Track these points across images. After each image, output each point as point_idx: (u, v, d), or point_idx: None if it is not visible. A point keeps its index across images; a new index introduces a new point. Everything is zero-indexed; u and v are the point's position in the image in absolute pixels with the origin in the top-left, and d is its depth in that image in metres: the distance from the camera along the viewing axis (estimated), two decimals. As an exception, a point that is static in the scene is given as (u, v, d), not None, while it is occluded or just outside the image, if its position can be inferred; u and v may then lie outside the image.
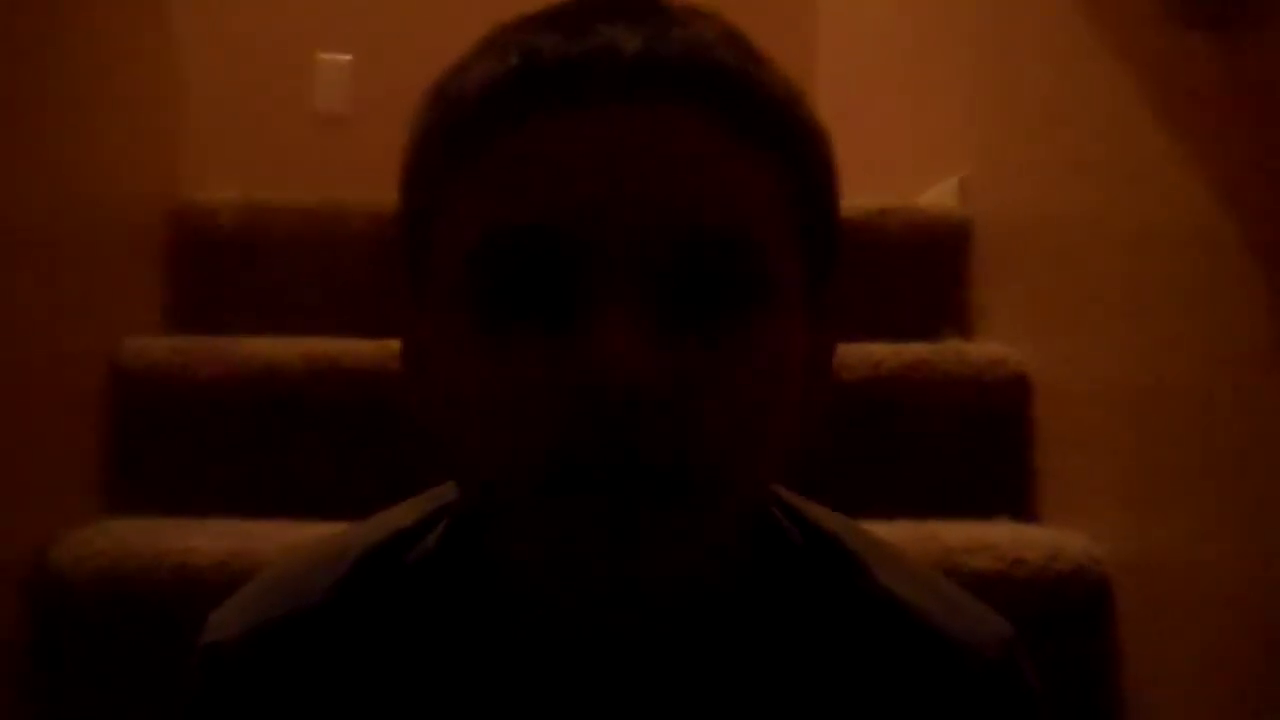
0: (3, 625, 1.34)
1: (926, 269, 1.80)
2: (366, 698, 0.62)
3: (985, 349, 1.65)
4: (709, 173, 0.53)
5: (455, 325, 0.54)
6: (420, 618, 0.62)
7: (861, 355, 1.57)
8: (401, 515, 0.66)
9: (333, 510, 1.46)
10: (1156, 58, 1.28)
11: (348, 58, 2.90)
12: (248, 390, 1.57)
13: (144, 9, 1.76)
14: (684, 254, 0.52)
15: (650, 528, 0.52)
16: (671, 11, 0.57)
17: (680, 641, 0.59)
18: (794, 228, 0.56)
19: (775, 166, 0.55)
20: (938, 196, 1.93)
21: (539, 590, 0.58)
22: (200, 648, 0.65)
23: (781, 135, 0.56)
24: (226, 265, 1.80)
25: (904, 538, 1.33)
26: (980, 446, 1.56)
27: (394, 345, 1.65)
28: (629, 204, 0.52)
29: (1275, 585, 1.06)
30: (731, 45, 0.56)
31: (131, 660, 1.37)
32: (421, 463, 1.56)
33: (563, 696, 0.60)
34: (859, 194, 1.81)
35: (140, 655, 1.36)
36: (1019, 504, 1.51)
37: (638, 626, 0.58)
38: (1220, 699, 1.14)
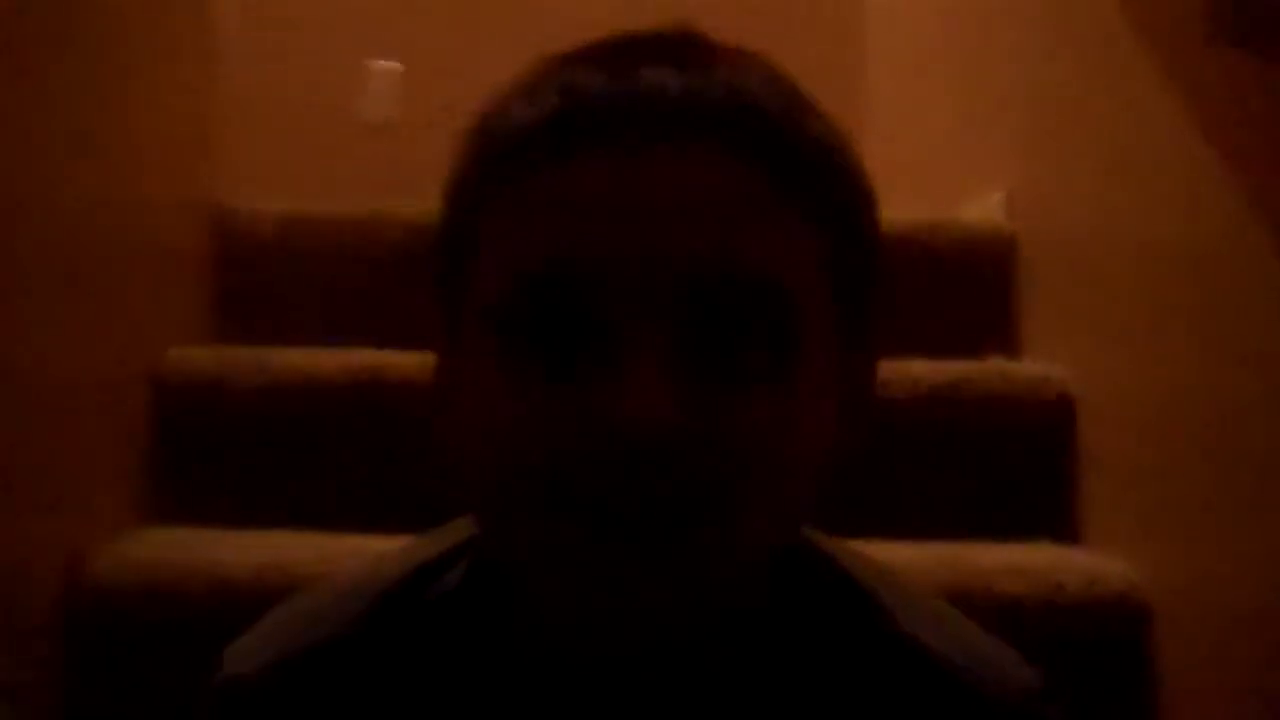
0: (39, 633, 1.35)
1: (971, 285, 1.78)
2: None
3: (1029, 368, 1.63)
4: (744, 221, 0.53)
5: (484, 361, 0.54)
6: (440, 655, 0.62)
7: (901, 372, 1.56)
8: (424, 549, 0.66)
9: (370, 524, 1.47)
10: (1201, 75, 1.26)
11: (398, 66, 2.92)
12: (288, 402, 1.58)
13: (188, 17, 1.77)
14: (712, 298, 0.52)
15: (673, 571, 0.52)
16: (716, 53, 0.57)
17: (697, 681, 0.59)
18: (827, 270, 0.56)
19: (812, 216, 0.55)
20: (983, 211, 1.90)
21: (558, 629, 0.58)
22: (218, 681, 0.64)
23: (821, 184, 0.56)
24: (269, 276, 1.81)
25: (940, 559, 1.32)
26: (1022, 467, 1.54)
27: (430, 358, 1.67)
28: (658, 247, 0.52)
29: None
30: (775, 90, 0.56)
31: (164, 670, 1.37)
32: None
33: None
34: (904, 207, 1.80)
35: (173, 665, 1.37)
36: (1060, 526, 1.49)
37: (655, 664, 0.58)
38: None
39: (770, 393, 0.53)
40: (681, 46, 0.57)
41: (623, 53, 0.56)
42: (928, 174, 2.09)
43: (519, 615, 0.61)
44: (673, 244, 0.52)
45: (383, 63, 2.93)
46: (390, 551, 0.67)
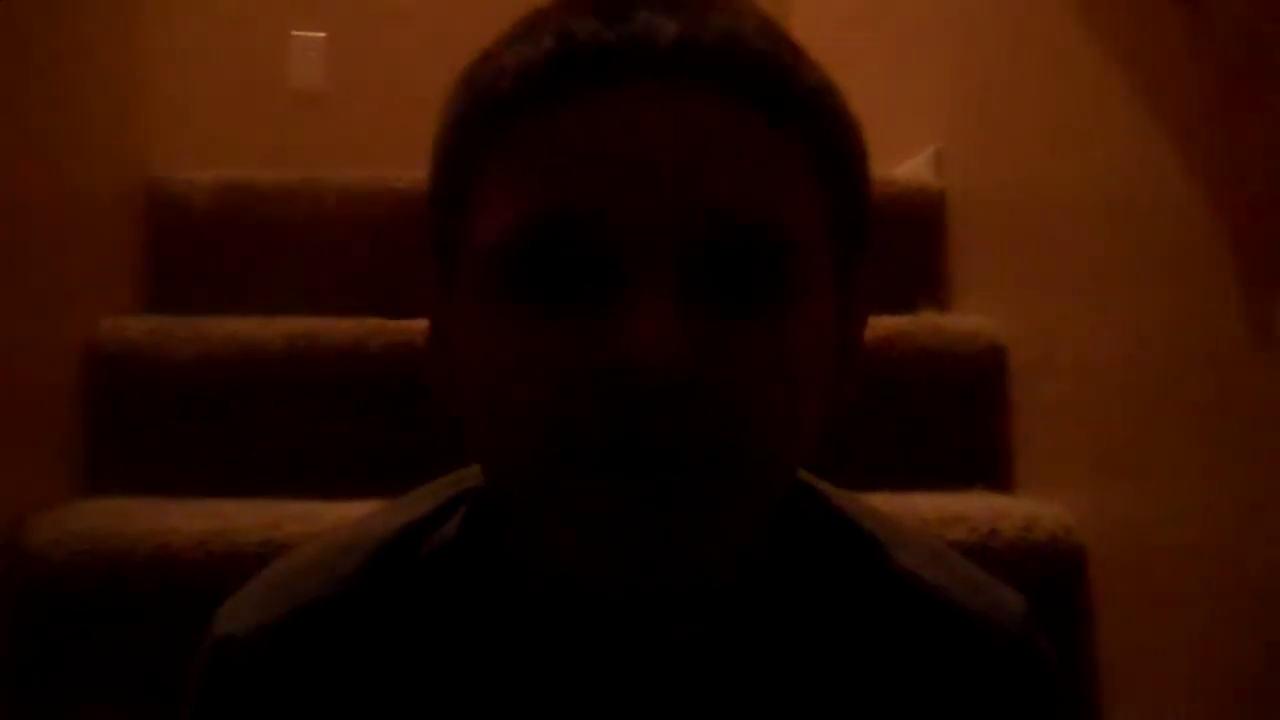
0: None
1: (902, 241, 1.81)
2: (381, 691, 0.61)
3: (961, 321, 1.65)
4: (741, 160, 0.54)
5: (486, 307, 0.54)
6: (437, 609, 0.61)
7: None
8: (419, 502, 0.65)
9: (313, 490, 1.46)
10: (1130, 31, 1.29)
11: (322, 35, 2.89)
12: (227, 370, 1.57)
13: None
14: (714, 240, 0.52)
15: (678, 511, 0.52)
16: None
17: (703, 624, 0.59)
18: (824, 214, 0.56)
19: (807, 155, 0.56)
20: (913, 169, 1.93)
21: (559, 575, 0.58)
22: (211, 641, 0.63)
23: (813, 124, 0.56)
24: (202, 245, 1.79)
25: (880, 509, 1.34)
26: (956, 418, 1.57)
27: (370, 322, 1.65)
28: (660, 190, 0.52)
29: (1245, 556, 1.07)
30: (767, 34, 0.57)
31: (108, 640, 1.37)
32: (402, 441, 1.57)
33: (581, 686, 0.60)
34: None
35: (117, 635, 1.37)
36: (995, 475, 1.52)
37: (659, 609, 0.58)
38: (1193, 667, 1.15)
39: (771, 333, 0.53)
40: None
41: None
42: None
43: (517, 566, 0.60)
44: (675, 188, 0.52)
45: (307, 33, 2.89)
46: (380, 508, 0.67)
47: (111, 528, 1.39)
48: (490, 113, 0.55)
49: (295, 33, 2.89)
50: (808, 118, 0.56)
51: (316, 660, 0.61)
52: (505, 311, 0.53)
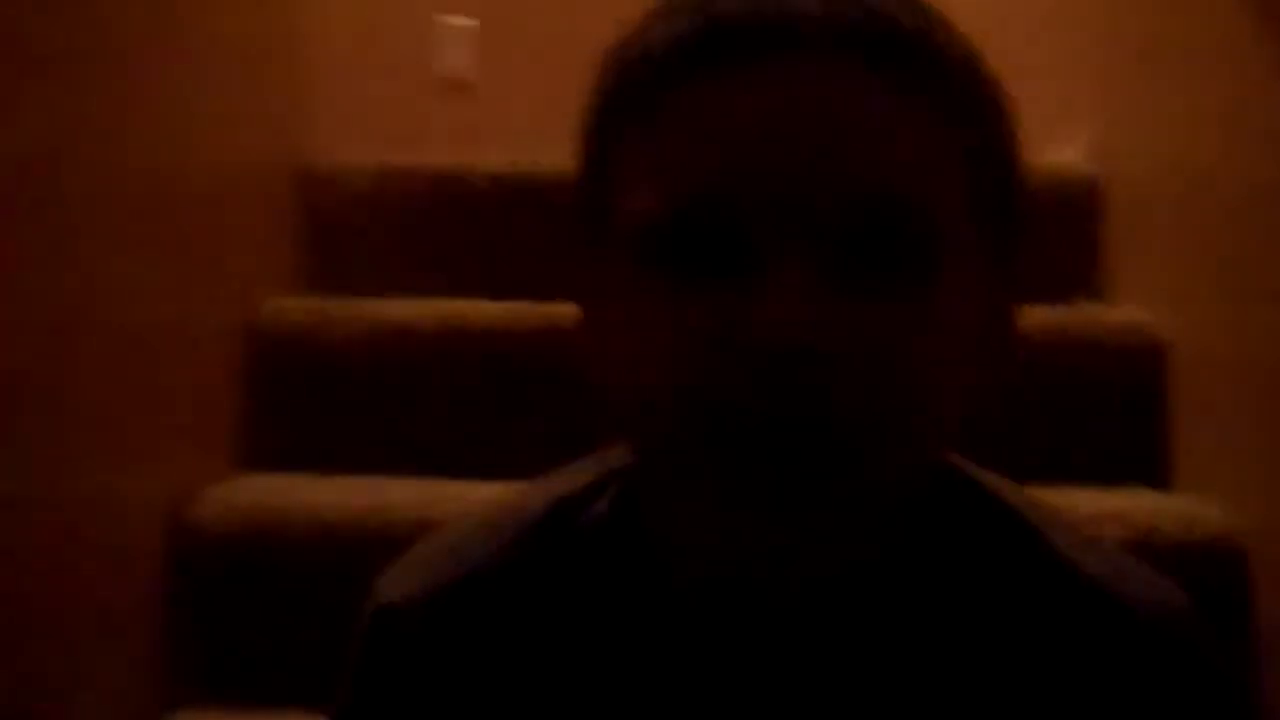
0: (144, 576, 1.39)
1: (1058, 230, 1.77)
2: (533, 663, 0.62)
3: (1120, 313, 1.61)
4: (883, 134, 0.53)
5: (633, 281, 0.55)
6: (591, 584, 0.62)
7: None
8: (571, 479, 0.65)
9: (462, 469, 1.49)
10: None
11: (472, 22, 2.92)
12: (381, 350, 1.61)
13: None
14: (855, 216, 0.52)
15: (812, 486, 0.52)
16: None
17: (841, 610, 0.58)
18: (969, 193, 0.55)
19: (951, 129, 0.55)
20: (1068, 154, 1.89)
21: (701, 555, 0.58)
22: (371, 609, 0.64)
23: (958, 98, 0.55)
24: (359, 228, 1.83)
25: (1038, 499, 1.32)
26: (1115, 413, 1.53)
27: (518, 306, 1.67)
28: (800, 168, 0.52)
29: None
30: (911, 8, 0.56)
31: (265, 611, 1.41)
32: (550, 422, 1.58)
33: (720, 670, 0.60)
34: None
35: (274, 607, 1.41)
36: (1154, 473, 1.49)
37: (797, 591, 0.57)
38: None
39: (911, 313, 0.52)
40: None
41: None
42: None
43: (660, 544, 0.61)
44: (821, 166, 0.52)
45: (458, 19, 2.93)
46: (531, 485, 0.67)
47: (270, 502, 1.43)
48: (634, 90, 0.56)
49: (445, 18, 2.92)
50: (950, 91, 0.55)
51: (472, 629, 0.62)
52: (652, 286, 0.54)
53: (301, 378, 1.62)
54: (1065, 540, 0.61)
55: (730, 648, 0.59)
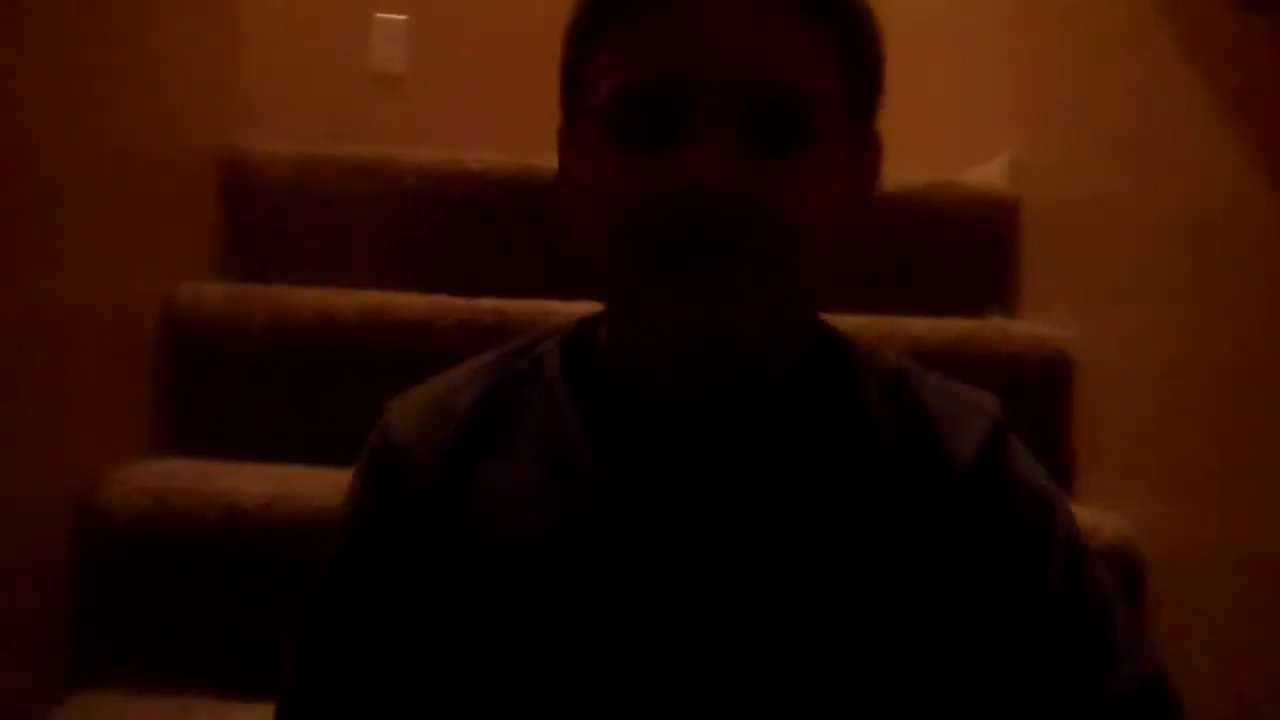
0: (51, 559, 1.38)
1: (973, 247, 1.81)
2: (509, 467, 0.79)
3: (1028, 328, 1.65)
4: (777, 36, 0.73)
5: (597, 148, 0.75)
6: (554, 395, 0.81)
7: (903, 329, 1.58)
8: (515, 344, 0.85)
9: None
10: (1215, 42, 1.28)
11: (404, 18, 2.92)
12: (301, 339, 1.60)
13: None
14: (757, 98, 0.72)
15: (726, 286, 0.72)
16: None
17: (750, 406, 0.78)
18: (843, 83, 0.75)
19: (831, 34, 0.75)
20: (986, 174, 1.93)
21: (643, 351, 0.77)
22: (385, 439, 0.82)
23: (836, 11, 0.75)
24: (280, 216, 1.82)
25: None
26: (1022, 424, 1.56)
27: (440, 299, 1.66)
28: (723, 61, 0.72)
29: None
30: None
31: (172, 595, 1.40)
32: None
33: (668, 476, 0.77)
34: (907, 170, 1.82)
35: (181, 590, 1.40)
36: (1058, 483, 1.52)
37: (718, 392, 0.77)
38: (1244, 683, 1.15)
39: (797, 169, 0.73)
40: None
41: None
42: (931, 138, 2.10)
43: (612, 360, 0.80)
44: (733, 59, 0.72)
45: (389, 15, 2.92)
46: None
47: (181, 486, 1.42)
48: (597, 9, 0.76)
49: (378, 15, 2.92)
50: (835, 15, 0.75)
51: (456, 439, 0.80)
52: (612, 150, 0.74)
53: (218, 363, 1.61)
54: (905, 363, 0.83)
55: (667, 451, 0.77)
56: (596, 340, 0.83)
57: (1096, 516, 1.38)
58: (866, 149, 0.80)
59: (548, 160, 0.82)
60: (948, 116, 2.15)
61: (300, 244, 1.81)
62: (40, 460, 1.34)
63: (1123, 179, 1.50)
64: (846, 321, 0.89)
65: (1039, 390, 1.57)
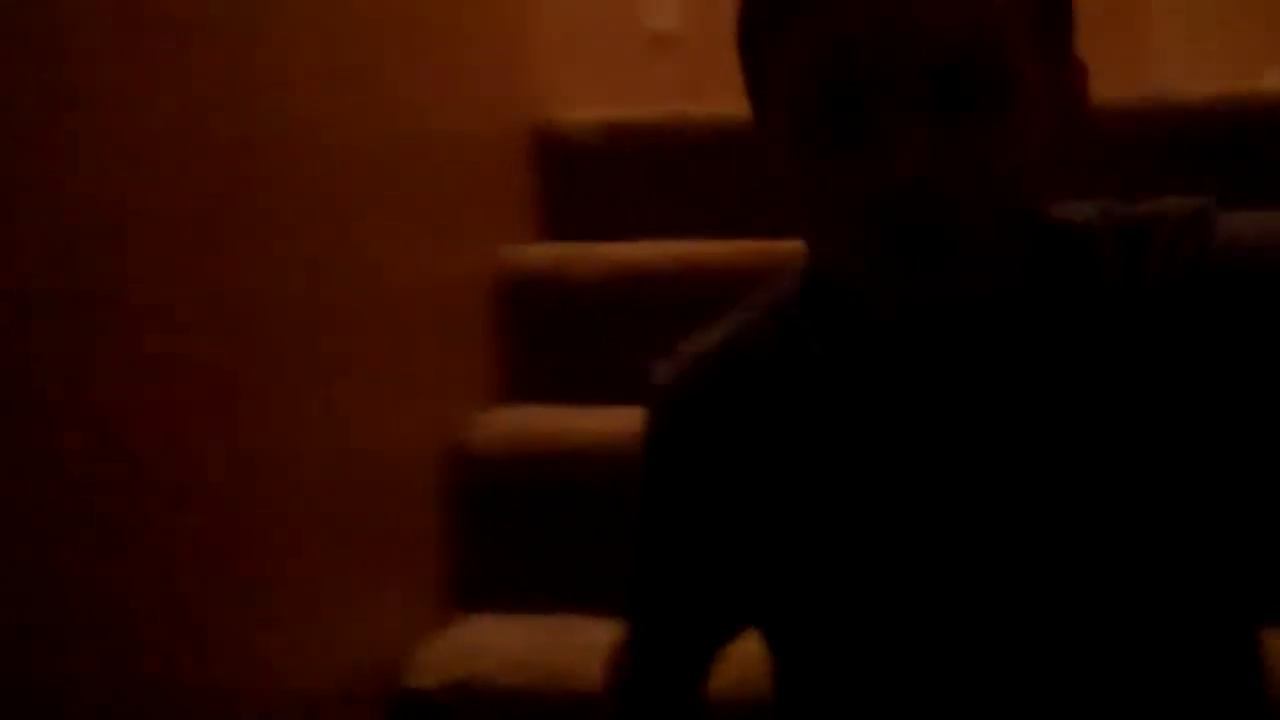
0: (429, 498, 1.56)
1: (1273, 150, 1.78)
2: (777, 401, 0.86)
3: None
4: (970, 17, 0.73)
5: (788, 147, 0.77)
6: (809, 336, 0.86)
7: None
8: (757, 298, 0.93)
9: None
10: None
11: (676, -24, 3.00)
12: (621, 290, 1.73)
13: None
14: (948, 71, 0.72)
15: (948, 260, 0.74)
16: None
17: (986, 329, 0.81)
18: (1033, 33, 0.75)
19: None
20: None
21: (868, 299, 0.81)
22: (648, 389, 0.95)
23: None
24: (589, 178, 1.95)
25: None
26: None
27: (740, 244, 1.75)
28: (905, 44, 0.72)
29: None
30: None
31: (535, 521, 1.56)
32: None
33: (910, 384, 0.82)
34: (1207, 79, 1.80)
35: (542, 516, 1.56)
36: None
37: (949, 323, 0.80)
38: None
39: (996, 134, 0.73)
40: None
41: None
42: (1226, 44, 2.07)
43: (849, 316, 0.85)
44: (917, 46, 0.72)
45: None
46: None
47: (533, 428, 1.58)
48: (773, 14, 0.77)
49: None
50: None
51: (728, 379, 0.89)
52: (803, 151, 0.76)
53: (549, 317, 1.75)
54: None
55: (911, 366, 0.82)
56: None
57: None
58: (1068, 79, 0.79)
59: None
60: (1242, 21, 2.10)
61: (610, 203, 1.94)
62: (413, 411, 1.51)
63: None
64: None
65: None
